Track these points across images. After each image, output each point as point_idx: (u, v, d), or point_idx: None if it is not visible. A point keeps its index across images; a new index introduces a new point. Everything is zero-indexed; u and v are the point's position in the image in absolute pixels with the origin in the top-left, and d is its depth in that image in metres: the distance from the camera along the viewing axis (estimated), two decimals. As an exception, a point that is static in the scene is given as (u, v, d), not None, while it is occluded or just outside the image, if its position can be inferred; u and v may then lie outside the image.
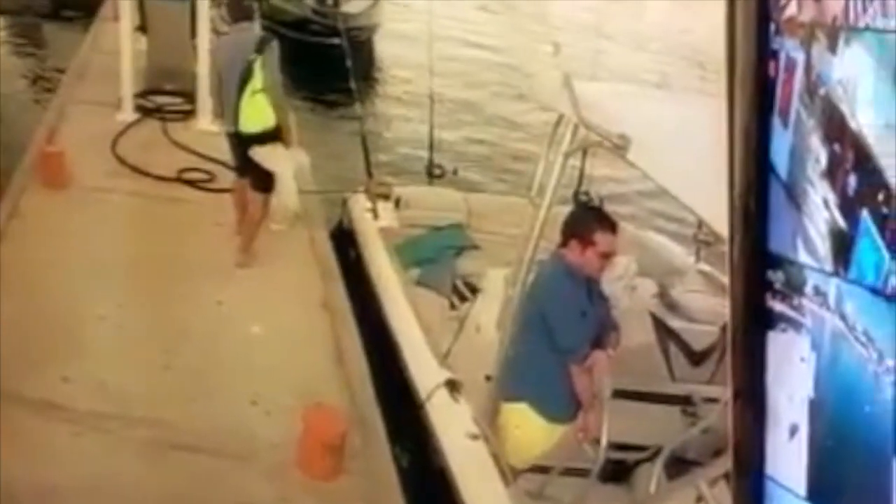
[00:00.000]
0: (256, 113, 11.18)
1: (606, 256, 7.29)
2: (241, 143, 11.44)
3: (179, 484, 7.79)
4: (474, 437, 8.16)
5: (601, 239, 7.16)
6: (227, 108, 11.48)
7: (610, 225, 7.32)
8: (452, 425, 8.45)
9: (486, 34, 32.04)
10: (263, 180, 11.45)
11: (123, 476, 7.73)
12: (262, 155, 11.21)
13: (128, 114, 15.70)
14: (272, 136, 11.28)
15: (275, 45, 11.41)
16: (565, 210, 8.61)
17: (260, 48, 11.33)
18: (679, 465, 6.95)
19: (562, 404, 7.40)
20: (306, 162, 11.84)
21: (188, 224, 12.56)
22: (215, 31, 17.01)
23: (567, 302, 7.30)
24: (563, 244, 7.39)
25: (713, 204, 3.65)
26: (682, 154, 5.95)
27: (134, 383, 8.90)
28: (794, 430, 3.01)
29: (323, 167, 14.57)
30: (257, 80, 11.17)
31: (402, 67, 26.16)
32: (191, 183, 13.71)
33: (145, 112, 15.99)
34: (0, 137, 14.02)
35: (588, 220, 7.44)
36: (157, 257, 11.38)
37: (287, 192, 11.49)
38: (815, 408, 2.91)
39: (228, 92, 11.38)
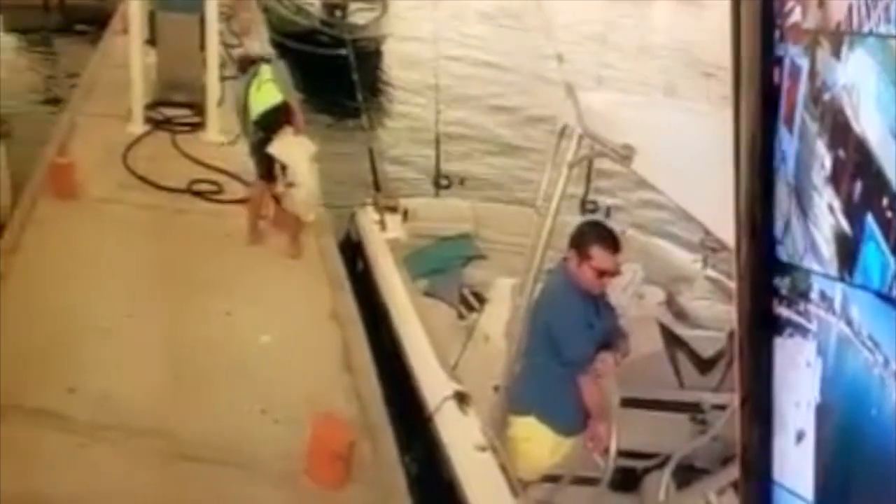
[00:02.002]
0: (264, 96, 11.63)
1: (603, 274, 7.15)
2: (259, 142, 11.69)
3: (188, 494, 7.81)
4: (482, 448, 8.15)
5: (598, 255, 7.06)
6: (242, 117, 12.00)
7: (610, 243, 7.17)
8: (460, 437, 8.45)
9: (490, 45, 31.99)
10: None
11: (131, 487, 7.73)
12: (277, 149, 11.41)
13: (138, 126, 15.72)
14: (280, 115, 11.59)
15: (282, 63, 12.00)
16: (573, 219, 8.59)
17: (267, 61, 12.10)
18: (687, 473, 6.94)
19: (570, 417, 7.36)
20: (314, 150, 11.86)
21: (197, 235, 12.59)
22: (224, 44, 17.13)
23: (572, 314, 7.22)
24: (568, 255, 7.34)
25: (718, 212, 3.65)
26: (688, 162, 5.94)
27: (142, 394, 8.89)
28: (800, 436, 3.02)
29: (331, 179, 14.56)
30: (265, 73, 11.75)
31: (408, 77, 26.12)
32: (199, 194, 13.73)
33: (155, 124, 15.99)
34: (12, 150, 14.01)
35: (588, 234, 7.30)
36: (166, 268, 11.39)
37: (305, 183, 11.56)
38: (822, 413, 2.92)
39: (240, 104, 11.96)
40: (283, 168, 11.57)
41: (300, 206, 11.91)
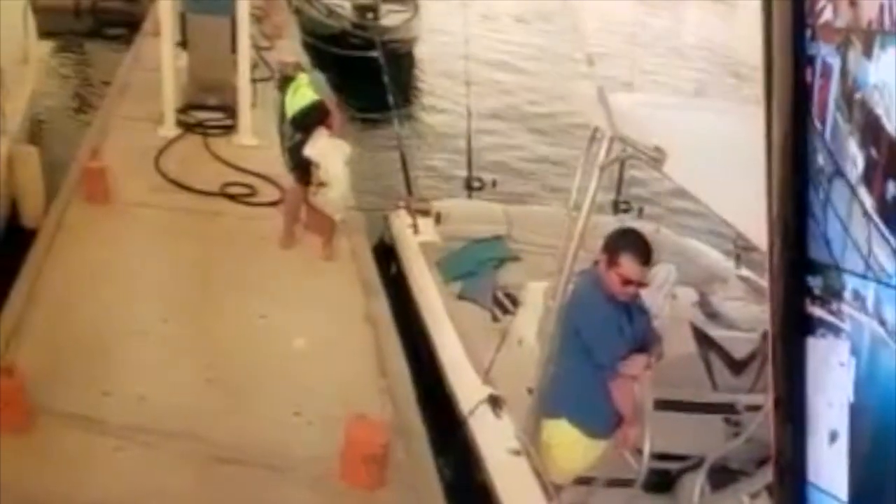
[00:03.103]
0: (300, 97, 11.65)
1: (628, 283, 6.97)
2: (295, 145, 11.75)
3: (223, 497, 7.84)
4: (516, 452, 8.16)
5: (626, 263, 6.90)
6: (280, 124, 12.16)
7: (641, 253, 6.98)
8: (494, 441, 8.45)
9: (521, 46, 31.95)
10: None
11: (166, 490, 7.76)
12: (313, 150, 11.47)
13: (170, 129, 15.78)
14: (315, 114, 11.61)
15: (318, 72, 12.25)
16: (604, 220, 8.54)
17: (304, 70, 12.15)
18: (722, 474, 6.92)
19: (602, 420, 7.30)
20: (349, 152, 11.86)
21: (230, 238, 12.63)
22: (255, 47, 17.15)
23: (601, 317, 7.10)
24: (599, 258, 7.27)
25: (751, 215, 3.64)
26: (719, 165, 5.92)
27: (176, 397, 8.94)
28: (834, 436, 3.01)
29: (363, 183, 14.57)
30: (302, 79, 11.81)
31: (439, 79, 26.11)
32: (232, 197, 13.77)
33: (187, 127, 16.06)
34: (45, 154, 14.08)
35: (620, 241, 7.12)
36: (200, 272, 11.44)
37: (337, 184, 11.60)
38: (855, 413, 2.91)
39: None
40: (317, 167, 11.61)
41: (330, 206, 11.94)
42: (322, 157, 11.49)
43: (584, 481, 7.78)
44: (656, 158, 6.58)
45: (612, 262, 6.97)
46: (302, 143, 11.54)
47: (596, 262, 7.25)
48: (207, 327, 10.24)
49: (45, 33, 19.03)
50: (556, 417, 7.60)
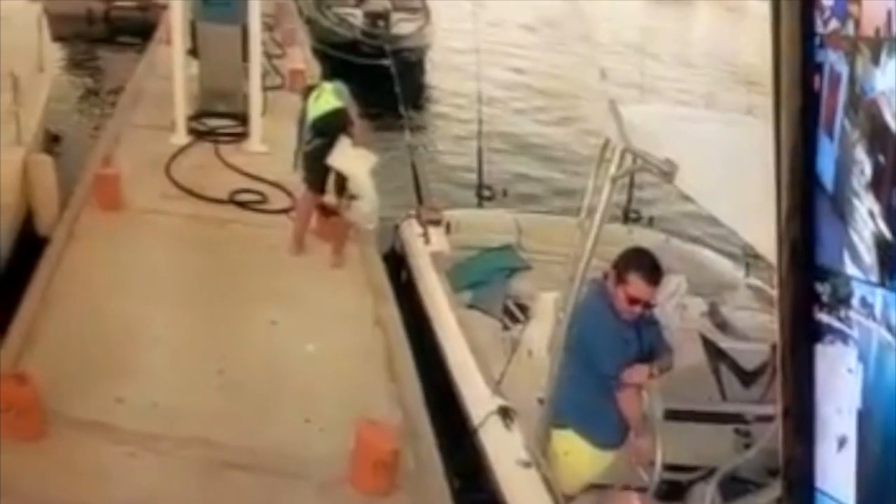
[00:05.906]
0: (323, 102, 11.75)
1: (635, 302, 7.03)
2: (315, 150, 11.76)
3: (234, 502, 7.85)
4: (526, 464, 8.16)
5: (634, 283, 6.96)
6: (300, 130, 12.13)
7: (650, 274, 7.05)
8: (504, 453, 8.46)
9: (531, 58, 31.94)
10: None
11: (178, 496, 7.78)
12: (338, 160, 11.49)
13: (181, 137, 15.79)
14: (338, 120, 11.65)
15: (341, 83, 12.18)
16: (614, 228, 8.51)
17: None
18: (732, 484, 6.92)
19: (608, 430, 7.34)
20: (374, 161, 11.84)
21: (241, 245, 12.64)
22: (266, 54, 17.16)
23: (605, 328, 7.16)
24: (608, 273, 7.31)
25: (761, 226, 3.64)
26: (729, 177, 5.91)
27: (189, 403, 8.95)
28: (842, 443, 3.02)
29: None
30: (327, 87, 11.94)
31: (450, 89, 26.10)
32: (243, 204, 13.79)
33: (198, 135, 16.07)
34: (58, 160, 14.10)
35: (631, 260, 7.18)
36: (211, 278, 11.45)
37: (368, 194, 11.61)
38: (863, 419, 2.92)
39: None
40: (344, 180, 11.63)
41: (365, 218, 11.96)
42: (349, 168, 11.48)
43: (597, 488, 7.80)
44: (667, 171, 6.58)
45: (620, 279, 6.99)
46: (320, 149, 11.56)
47: (605, 276, 7.26)
48: (219, 333, 10.26)
49: (57, 39, 19.07)
50: (564, 427, 7.62)
